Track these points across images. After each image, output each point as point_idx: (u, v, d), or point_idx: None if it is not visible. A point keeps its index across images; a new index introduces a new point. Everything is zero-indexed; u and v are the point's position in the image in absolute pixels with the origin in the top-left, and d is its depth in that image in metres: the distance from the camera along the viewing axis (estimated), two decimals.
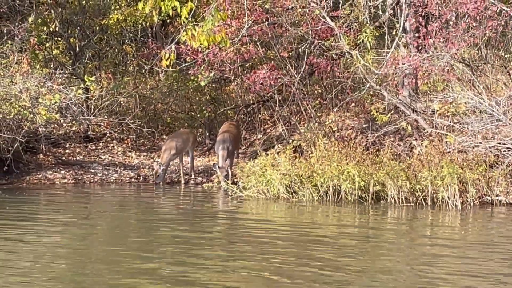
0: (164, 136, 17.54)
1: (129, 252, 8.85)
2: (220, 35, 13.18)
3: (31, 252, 8.64)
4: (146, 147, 17.44)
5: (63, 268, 8.08)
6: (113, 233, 10.27)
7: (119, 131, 17.05)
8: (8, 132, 14.14)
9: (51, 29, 17.42)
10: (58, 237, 9.73)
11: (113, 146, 17.28)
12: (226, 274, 7.76)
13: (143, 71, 18.75)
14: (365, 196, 12.26)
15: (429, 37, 13.26)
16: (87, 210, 12.20)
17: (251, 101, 17.56)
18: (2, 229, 10.11)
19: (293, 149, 13.52)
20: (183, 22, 14.43)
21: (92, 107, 16.32)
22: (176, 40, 14.03)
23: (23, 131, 14.35)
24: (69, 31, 17.96)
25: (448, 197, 11.69)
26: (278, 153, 13.22)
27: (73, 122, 16.11)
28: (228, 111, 17.77)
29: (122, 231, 10.37)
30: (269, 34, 14.99)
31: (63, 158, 16.06)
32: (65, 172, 15.23)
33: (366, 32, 13.75)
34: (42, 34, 16.88)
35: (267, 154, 13.27)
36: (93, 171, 15.51)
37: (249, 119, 17.58)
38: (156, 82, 18.97)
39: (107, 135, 17.48)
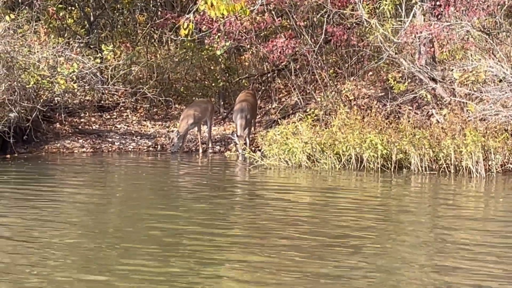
0: (177, 106, 17.57)
1: (150, 212, 9.18)
2: (239, 4, 13.16)
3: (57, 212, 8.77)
4: (160, 116, 17.46)
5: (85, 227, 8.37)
6: (136, 196, 10.41)
7: (132, 100, 17.07)
8: (27, 101, 14.15)
9: None
10: (90, 197, 9.87)
11: (127, 115, 17.29)
12: (248, 235, 7.98)
13: (153, 40, 18.70)
14: (388, 164, 12.33)
15: (449, 5, 13.24)
16: (111, 177, 12.31)
17: (266, 70, 17.56)
18: (30, 194, 10.29)
19: (315, 117, 13.58)
20: None
21: (108, 76, 16.31)
22: (195, 9, 13.98)
23: (41, 100, 14.38)
24: (83, 0, 17.91)
25: (472, 165, 11.78)
26: (300, 119, 13.26)
27: (89, 91, 16.11)
28: (243, 80, 17.77)
29: (145, 194, 10.52)
30: (286, 3, 14.95)
31: (79, 127, 16.09)
32: (83, 141, 15.27)
33: (386, 0, 13.74)
34: (56, 2, 16.79)
35: (288, 123, 13.32)
36: (110, 140, 15.55)
37: (264, 88, 17.59)
38: (166, 51, 18.93)
39: (121, 104, 17.50)
